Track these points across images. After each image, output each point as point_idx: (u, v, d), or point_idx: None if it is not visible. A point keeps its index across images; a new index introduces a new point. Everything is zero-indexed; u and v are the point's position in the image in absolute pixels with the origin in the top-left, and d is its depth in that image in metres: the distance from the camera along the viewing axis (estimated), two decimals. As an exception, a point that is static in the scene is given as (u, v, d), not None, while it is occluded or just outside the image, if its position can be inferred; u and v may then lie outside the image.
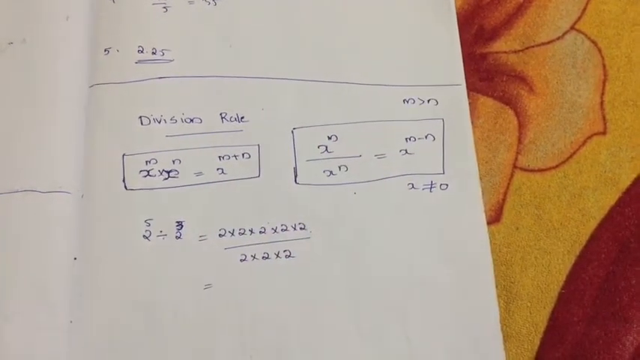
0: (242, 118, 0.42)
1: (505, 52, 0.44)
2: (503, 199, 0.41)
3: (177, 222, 0.40)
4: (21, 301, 0.37)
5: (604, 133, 0.43)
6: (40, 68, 0.42)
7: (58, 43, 0.43)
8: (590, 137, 0.43)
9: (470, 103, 0.43)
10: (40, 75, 0.42)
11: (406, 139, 0.42)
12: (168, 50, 0.43)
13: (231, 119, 0.42)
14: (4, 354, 0.36)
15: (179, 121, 0.42)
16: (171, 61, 0.43)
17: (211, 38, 0.44)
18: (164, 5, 0.44)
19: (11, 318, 0.37)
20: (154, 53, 0.43)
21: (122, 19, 0.44)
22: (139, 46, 0.43)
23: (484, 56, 0.44)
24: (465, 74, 0.43)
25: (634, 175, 0.42)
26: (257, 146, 0.42)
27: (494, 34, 0.45)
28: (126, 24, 0.44)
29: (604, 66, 0.44)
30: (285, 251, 0.40)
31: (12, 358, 0.36)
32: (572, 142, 0.43)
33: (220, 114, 0.42)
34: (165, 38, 0.43)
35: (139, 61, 0.43)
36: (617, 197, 0.41)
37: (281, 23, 0.44)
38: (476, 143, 0.42)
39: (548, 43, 0.45)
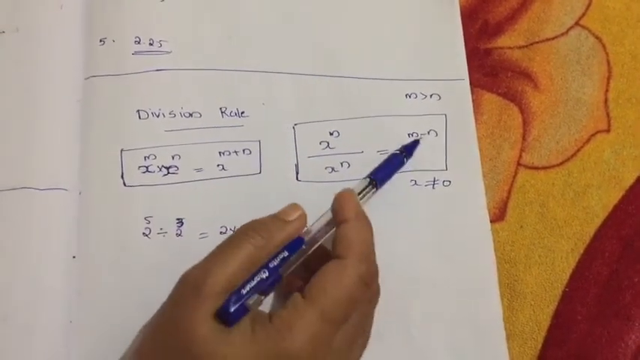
0: (242, 113, 0.42)
1: (510, 48, 0.45)
2: (507, 197, 0.42)
3: (178, 219, 0.40)
4: (19, 300, 0.37)
5: (608, 130, 0.44)
6: (33, 59, 0.42)
7: (52, 33, 0.43)
8: (594, 135, 0.44)
9: (474, 100, 0.44)
10: (33, 66, 0.42)
11: (409, 134, 0.43)
12: (166, 41, 0.43)
13: (232, 114, 0.42)
14: (2, 354, 0.36)
15: (178, 115, 0.42)
16: (168, 52, 0.43)
17: (210, 30, 0.44)
18: (162, -6, 0.44)
19: (9, 318, 0.37)
20: (151, 44, 0.43)
21: (118, 8, 0.44)
22: (136, 37, 0.43)
23: (488, 52, 0.45)
24: (469, 70, 0.44)
25: (637, 173, 0.43)
26: (258, 142, 0.42)
27: (498, 29, 0.46)
28: (122, 13, 0.44)
29: (608, 62, 0.45)
30: (287, 249, 0.40)
31: (10, 359, 0.36)
32: (576, 140, 0.43)
33: (220, 108, 0.42)
34: (162, 29, 0.44)
35: (136, 52, 0.43)
36: (620, 195, 0.42)
37: (282, 16, 0.45)
38: (480, 140, 0.43)
39: (553, 38, 0.45)
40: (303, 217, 0.36)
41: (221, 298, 0.31)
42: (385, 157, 0.42)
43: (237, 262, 0.32)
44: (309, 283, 0.33)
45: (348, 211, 0.35)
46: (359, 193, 0.38)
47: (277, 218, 0.36)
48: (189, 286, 0.32)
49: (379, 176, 0.40)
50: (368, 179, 0.39)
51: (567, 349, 0.39)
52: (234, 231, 0.40)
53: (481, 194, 0.42)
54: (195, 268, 0.33)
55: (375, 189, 0.39)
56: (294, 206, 0.36)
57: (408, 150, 0.41)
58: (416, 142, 0.42)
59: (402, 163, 0.41)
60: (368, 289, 0.34)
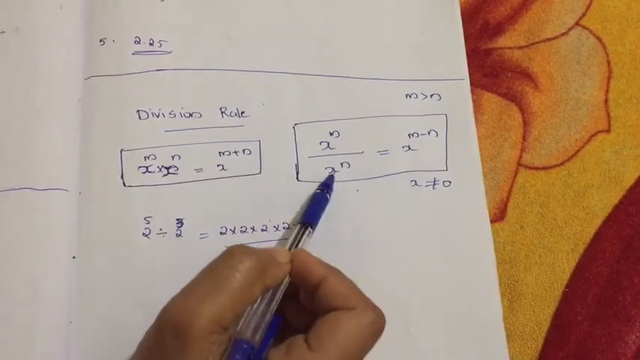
0: (242, 113, 0.42)
1: (510, 48, 0.45)
2: (508, 197, 0.42)
3: (178, 219, 0.40)
4: (18, 301, 0.37)
5: (608, 130, 0.44)
6: (33, 59, 0.42)
7: (52, 33, 0.43)
8: (594, 135, 0.44)
9: (474, 100, 0.44)
10: (33, 66, 0.42)
11: (409, 134, 0.43)
12: (166, 41, 0.43)
13: (232, 114, 0.42)
14: (2, 354, 0.36)
15: (178, 115, 0.42)
16: (169, 52, 0.43)
17: (210, 30, 0.44)
18: (162, -6, 0.44)
19: (8, 318, 0.37)
20: (151, 44, 0.43)
21: (118, 8, 0.44)
22: (136, 37, 0.43)
23: (489, 52, 0.45)
24: (470, 70, 0.44)
25: (638, 174, 0.43)
26: (258, 142, 0.42)
27: (499, 29, 0.46)
28: (122, 13, 0.44)
29: (608, 62, 0.45)
30: (287, 249, 0.40)
31: (10, 359, 0.36)
32: (576, 140, 0.43)
33: (220, 108, 0.42)
34: (162, 29, 0.44)
35: (136, 52, 0.43)
36: (620, 195, 0.42)
37: (282, 16, 0.45)
38: (480, 140, 0.43)
39: (553, 39, 0.45)
40: (290, 265, 0.34)
41: (209, 342, 0.28)
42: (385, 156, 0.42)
43: (225, 299, 0.29)
44: (314, 332, 0.31)
45: (318, 269, 0.33)
46: (295, 240, 0.37)
47: (272, 257, 0.33)
48: (172, 330, 0.28)
49: (310, 219, 0.39)
50: (299, 225, 0.38)
51: (567, 350, 0.40)
52: (233, 231, 0.40)
53: (481, 194, 0.42)
54: (176, 304, 0.29)
55: (310, 231, 0.38)
56: (284, 250, 0.35)
57: (327, 186, 0.41)
58: (331, 178, 0.41)
59: (327, 200, 0.40)
60: (380, 333, 0.32)
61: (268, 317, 0.32)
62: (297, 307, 0.35)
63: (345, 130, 0.43)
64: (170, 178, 0.41)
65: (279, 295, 0.34)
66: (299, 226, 0.38)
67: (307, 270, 0.33)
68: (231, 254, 0.31)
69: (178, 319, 0.28)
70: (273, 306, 0.33)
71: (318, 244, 0.40)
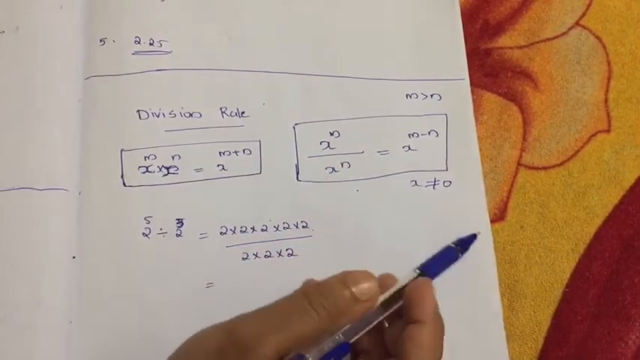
0: (242, 113, 0.42)
1: (510, 48, 0.45)
2: (508, 197, 0.42)
3: (178, 219, 0.40)
4: (19, 301, 0.37)
5: (608, 130, 0.44)
6: (33, 59, 0.42)
7: (52, 33, 0.43)
8: (594, 135, 0.44)
9: (474, 100, 0.44)
10: (33, 66, 0.42)
11: (409, 135, 0.43)
12: (166, 41, 0.43)
13: (232, 114, 0.42)
14: (2, 354, 0.36)
15: (178, 115, 0.42)
16: (169, 52, 0.43)
17: (210, 30, 0.44)
18: (162, -6, 0.44)
19: (8, 318, 0.37)
20: (151, 44, 0.43)
21: (118, 8, 0.44)
22: (136, 37, 0.43)
23: (489, 52, 0.45)
24: (470, 70, 0.44)
25: (638, 173, 0.43)
26: (258, 142, 0.42)
27: (499, 29, 0.46)
28: (122, 13, 0.44)
29: (608, 62, 0.45)
30: (287, 249, 0.41)
31: (10, 359, 0.36)
32: (576, 140, 0.44)
33: (220, 108, 0.42)
34: (163, 29, 0.44)
35: (136, 52, 0.43)
36: (620, 195, 0.42)
37: (282, 16, 0.45)
38: (480, 140, 0.43)
39: (553, 38, 0.45)
40: (376, 297, 0.32)
41: None
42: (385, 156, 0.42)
43: (293, 335, 0.29)
44: None
45: (427, 311, 0.31)
46: (404, 285, 0.34)
47: (350, 295, 0.31)
48: (238, 346, 0.29)
49: (431, 270, 0.35)
50: (417, 272, 0.35)
51: (567, 350, 0.40)
52: (233, 231, 0.40)
53: (481, 194, 0.42)
54: (250, 323, 0.30)
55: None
56: (371, 283, 0.31)
57: (464, 244, 0.36)
58: (473, 237, 0.36)
59: (455, 258, 0.36)
60: None
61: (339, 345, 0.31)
62: (373, 338, 0.33)
63: (345, 130, 0.43)
64: (170, 178, 0.41)
65: (361, 333, 0.32)
66: (416, 273, 0.34)
67: (417, 302, 0.32)
68: (306, 295, 0.31)
69: (246, 338, 0.29)
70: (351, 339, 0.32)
71: (319, 245, 0.40)
